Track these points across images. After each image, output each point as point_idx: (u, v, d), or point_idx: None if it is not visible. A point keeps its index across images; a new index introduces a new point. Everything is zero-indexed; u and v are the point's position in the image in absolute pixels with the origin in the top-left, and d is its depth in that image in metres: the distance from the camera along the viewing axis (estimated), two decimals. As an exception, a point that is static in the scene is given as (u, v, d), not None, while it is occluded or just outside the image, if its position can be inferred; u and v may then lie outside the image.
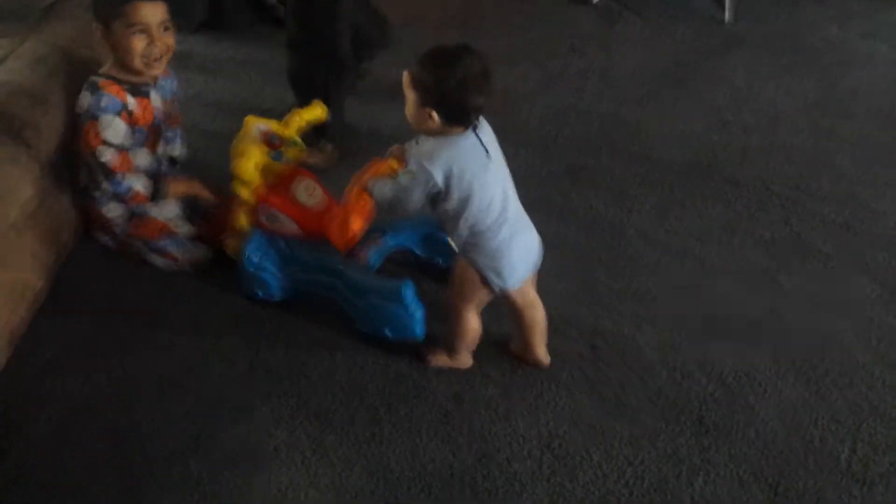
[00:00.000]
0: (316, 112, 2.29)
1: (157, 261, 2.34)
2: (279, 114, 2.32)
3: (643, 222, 2.58)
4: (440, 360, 2.05)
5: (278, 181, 2.18)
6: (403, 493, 1.77)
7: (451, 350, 2.05)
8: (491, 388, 2.01)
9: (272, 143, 2.17)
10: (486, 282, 1.92)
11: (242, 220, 2.21)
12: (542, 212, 2.55)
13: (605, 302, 2.26)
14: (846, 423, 1.93)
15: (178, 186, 2.33)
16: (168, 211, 2.32)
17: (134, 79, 2.25)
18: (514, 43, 3.68)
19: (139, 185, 2.22)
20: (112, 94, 2.19)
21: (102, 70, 2.26)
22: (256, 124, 2.18)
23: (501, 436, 1.89)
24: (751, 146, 2.98)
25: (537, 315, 2.02)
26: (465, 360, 2.05)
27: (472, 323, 2.00)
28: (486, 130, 1.88)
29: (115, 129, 2.18)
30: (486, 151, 1.85)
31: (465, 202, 1.83)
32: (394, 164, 1.96)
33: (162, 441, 1.87)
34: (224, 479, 1.78)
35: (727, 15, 3.84)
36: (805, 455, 1.85)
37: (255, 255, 2.16)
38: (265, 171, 2.15)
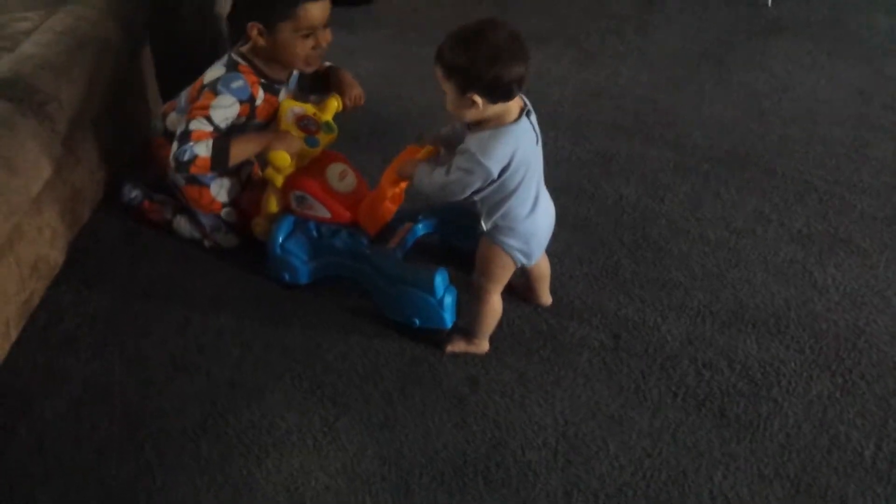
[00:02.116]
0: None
1: (183, 227, 2.34)
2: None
3: (674, 211, 2.52)
4: (458, 346, 2.02)
5: (311, 165, 2.16)
6: (415, 479, 1.74)
7: (472, 334, 2.01)
8: (507, 373, 1.97)
9: (307, 128, 2.12)
10: (513, 261, 1.89)
11: (273, 204, 2.19)
12: (571, 197, 2.52)
13: (629, 290, 2.21)
14: (873, 420, 1.86)
15: (240, 147, 2.10)
16: (224, 193, 2.28)
17: (273, 74, 2.16)
18: (550, 22, 3.63)
19: (203, 149, 2.04)
20: (248, 83, 2.10)
21: (244, 49, 2.15)
22: (291, 107, 2.13)
23: (516, 423, 1.86)
24: (790, 136, 2.90)
25: (544, 267, 2.08)
26: (483, 344, 2.02)
27: (497, 304, 1.98)
28: (532, 112, 1.81)
29: (226, 114, 2.07)
30: (537, 136, 1.80)
31: (513, 191, 1.79)
32: (430, 150, 1.92)
33: (174, 421, 1.85)
34: (234, 461, 1.77)
35: (769, -2, 3.76)
36: (829, 451, 1.79)
37: (284, 240, 2.14)
38: (299, 156, 2.12)
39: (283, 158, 2.05)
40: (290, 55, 2.09)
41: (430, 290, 1.97)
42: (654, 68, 3.31)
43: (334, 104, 2.15)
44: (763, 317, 2.13)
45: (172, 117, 2.23)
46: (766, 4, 3.74)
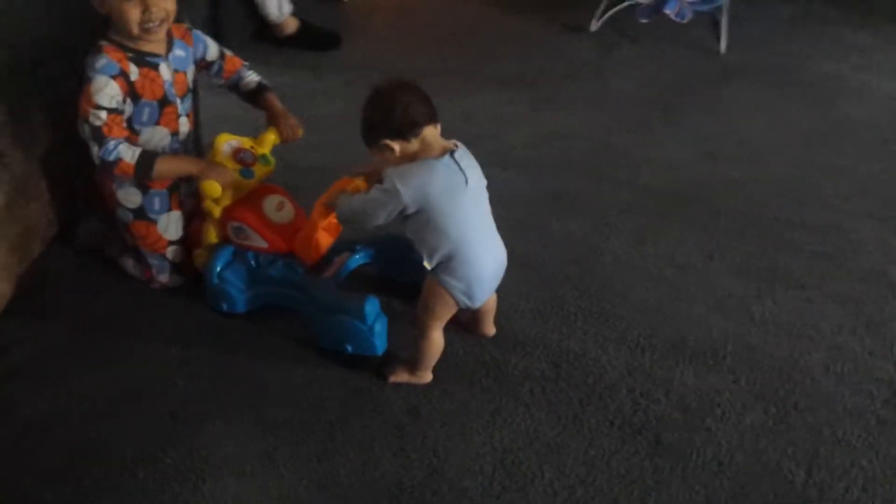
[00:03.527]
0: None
1: (130, 266, 2.36)
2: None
3: (620, 248, 2.57)
4: (400, 376, 2.05)
5: (249, 196, 2.20)
6: (351, 507, 1.76)
7: (414, 366, 2.04)
8: (448, 403, 2.00)
9: (243, 160, 2.18)
10: (455, 301, 1.93)
11: (212, 235, 2.22)
12: (519, 234, 2.54)
13: (572, 323, 2.25)
14: (804, 448, 1.90)
15: (168, 164, 2.13)
16: (172, 230, 2.29)
17: (140, 47, 2.14)
18: (509, 66, 3.70)
19: (128, 155, 2.05)
20: (113, 59, 2.08)
21: (111, 34, 2.13)
22: (227, 141, 2.19)
23: (455, 451, 1.88)
24: (736, 176, 2.96)
25: (490, 300, 2.11)
26: (426, 375, 2.05)
27: (438, 340, 2.01)
28: (465, 155, 1.89)
29: (108, 93, 2.04)
30: (465, 177, 1.86)
31: (439, 228, 1.85)
32: (360, 182, 1.98)
33: (114, 453, 1.87)
34: (170, 489, 1.78)
35: (722, 46, 3.85)
36: (760, 478, 1.83)
37: (222, 269, 2.18)
38: (236, 187, 2.16)
39: (214, 188, 2.09)
40: (123, 21, 2.06)
41: (361, 317, 2.01)
42: (608, 111, 3.38)
43: (271, 137, 2.22)
44: (701, 349, 2.18)
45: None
46: (720, 52, 3.84)
